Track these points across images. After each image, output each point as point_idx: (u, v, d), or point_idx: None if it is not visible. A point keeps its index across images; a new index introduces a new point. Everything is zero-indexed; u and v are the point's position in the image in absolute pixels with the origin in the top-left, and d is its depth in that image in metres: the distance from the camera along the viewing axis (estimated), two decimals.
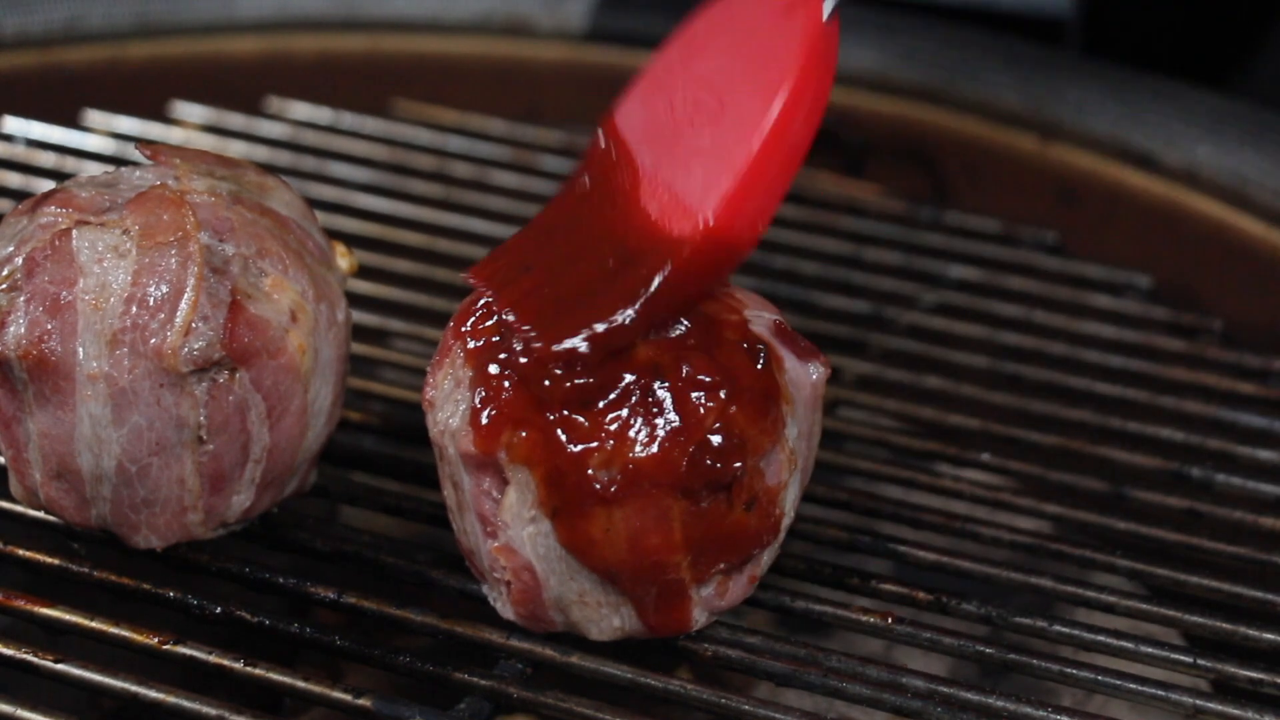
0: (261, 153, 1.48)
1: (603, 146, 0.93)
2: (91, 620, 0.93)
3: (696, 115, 0.90)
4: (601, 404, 0.86)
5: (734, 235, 0.88)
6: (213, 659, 0.91)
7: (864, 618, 0.96)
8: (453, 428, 0.88)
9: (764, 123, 0.88)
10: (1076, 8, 2.04)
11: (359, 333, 1.11)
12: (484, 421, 0.86)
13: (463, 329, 0.90)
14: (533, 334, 0.85)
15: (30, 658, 0.91)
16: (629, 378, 0.86)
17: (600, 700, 0.89)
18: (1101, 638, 0.95)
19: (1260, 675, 0.94)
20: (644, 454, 0.85)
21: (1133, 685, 0.92)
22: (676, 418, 0.86)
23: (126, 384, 0.90)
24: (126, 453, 0.91)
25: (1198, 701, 0.91)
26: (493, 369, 0.87)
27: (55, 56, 1.59)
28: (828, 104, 0.92)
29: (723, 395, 0.86)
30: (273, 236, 0.94)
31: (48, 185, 1.24)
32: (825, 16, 0.89)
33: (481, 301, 0.91)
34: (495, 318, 0.89)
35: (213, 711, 0.87)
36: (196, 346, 0.90)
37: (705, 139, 0.89)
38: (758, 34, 0.91)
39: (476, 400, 0.87)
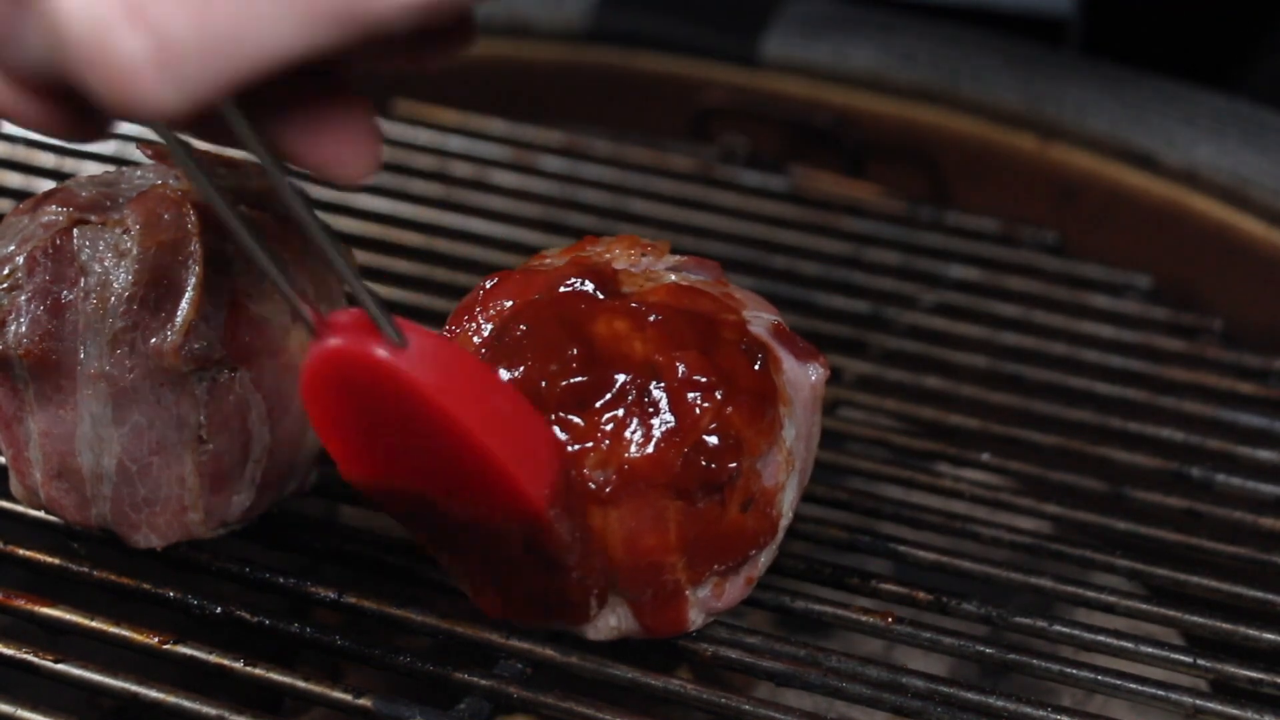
0: None
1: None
2: (91, 620, 0.93)
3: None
4: (597, 404, 0.86)
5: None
6: (213, 659, 0.91)
7: (864, 618, 0.96)
8: None
9: None
10: (1076, 8, 2.04)
11: None
12: None
13: (459, 325, 0.90)
14: None
15: (30, 658, 0.91)
16: (624, 378, 0.86)
17: (600, 700, 0.89)
18: (1101, 638, 0.95)
19: (1260, 675, 0.94)
20: (639, 454, 0.85)
21: (1133, 685, 0.92)
22: (672, 418, 0.85)
23: (127, 383, 0.90)
24: (127, 452, 0.91)
25: (1198, 701, 0.91)
26: (491, 368, 0.87)
27: None
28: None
29: (719, 396, 0.86)
30: (273, 236, 0.94)
31: (48, 185, 1.24)
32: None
33: (480, 300, 0.91)
34: (494, 318, 0.90)
35: (213, 711, 0.87)
36: (197, 346, 0.90)
37: None
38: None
39: None
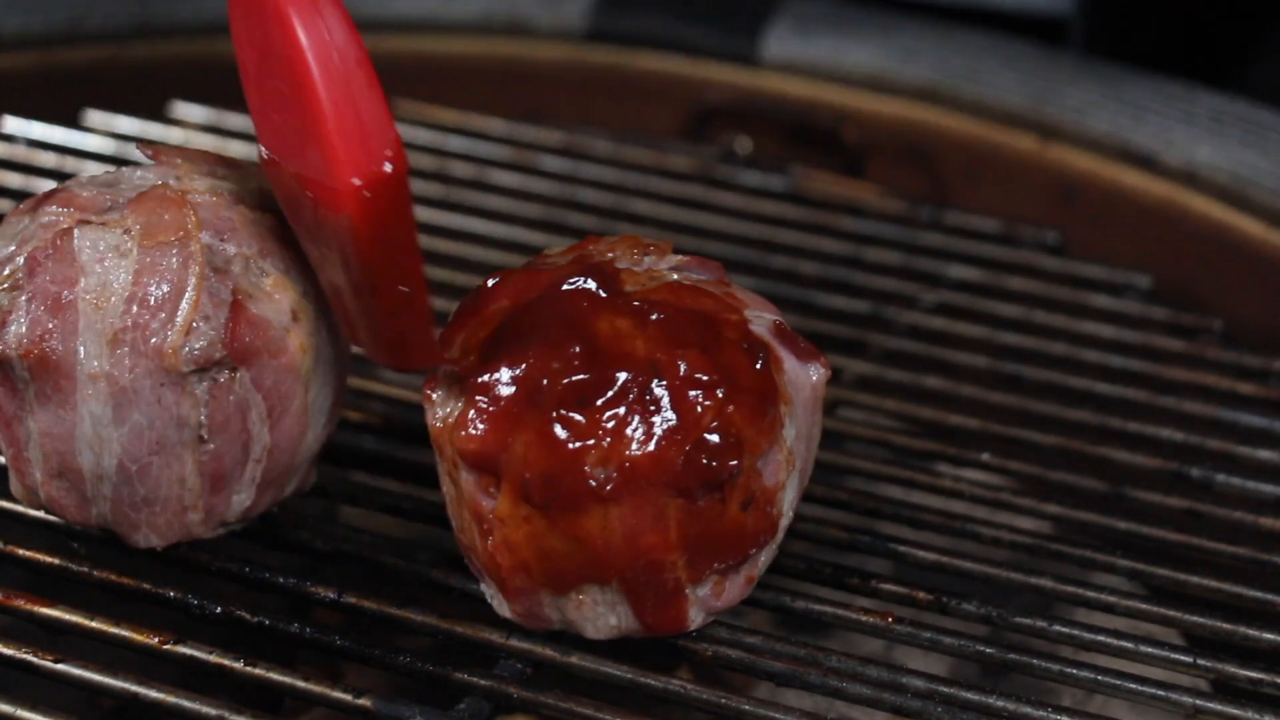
0: None
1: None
2: (91, 620, 0.93)
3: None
4: (598, 402, 0.86)
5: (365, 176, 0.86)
6: (213, 659, 0.91)
7: (864, 618, 0.96)
8: (451, 424, 0.88)
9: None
10: (1077, 8, 2.04)
11: None
12: (482, 419, 0.86)
13: (462, 323, 0.90)
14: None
15: (30, 658, 0.91)
16: (626, 376, 0.86)
17: (600, 700, 0.89)
18: (1101, 638, 0.95)
19: (1260, 675, 0.94)
20: (640, 452, 0.85)
21: (1133, 685, 0.92)
22: (673, 416, 0.86)
23: (127, 383, 0.90)
24: (127, 452, 0.91)
25: (1198, 701, 0.91)
26: (492, 367, 0.87)
27: (55, 56, 1.59)
28: None
29: (720, 394, 0.86)
30: (274, 236, 0.94)
31: (48, 185, 1.24)
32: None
33: (482, 299, 0.91)
34: (494, 312, 0.90)
35: (213, 711, 0.87)
36: (197, 346, 0.90)
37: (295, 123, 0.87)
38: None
39: (475, 398, 0.87)
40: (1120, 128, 1.48)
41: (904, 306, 1.34)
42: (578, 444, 0.85)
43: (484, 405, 0.87)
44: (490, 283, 0.92)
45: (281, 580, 0.97)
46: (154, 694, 0.88)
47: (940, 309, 1.34)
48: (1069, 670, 0.93)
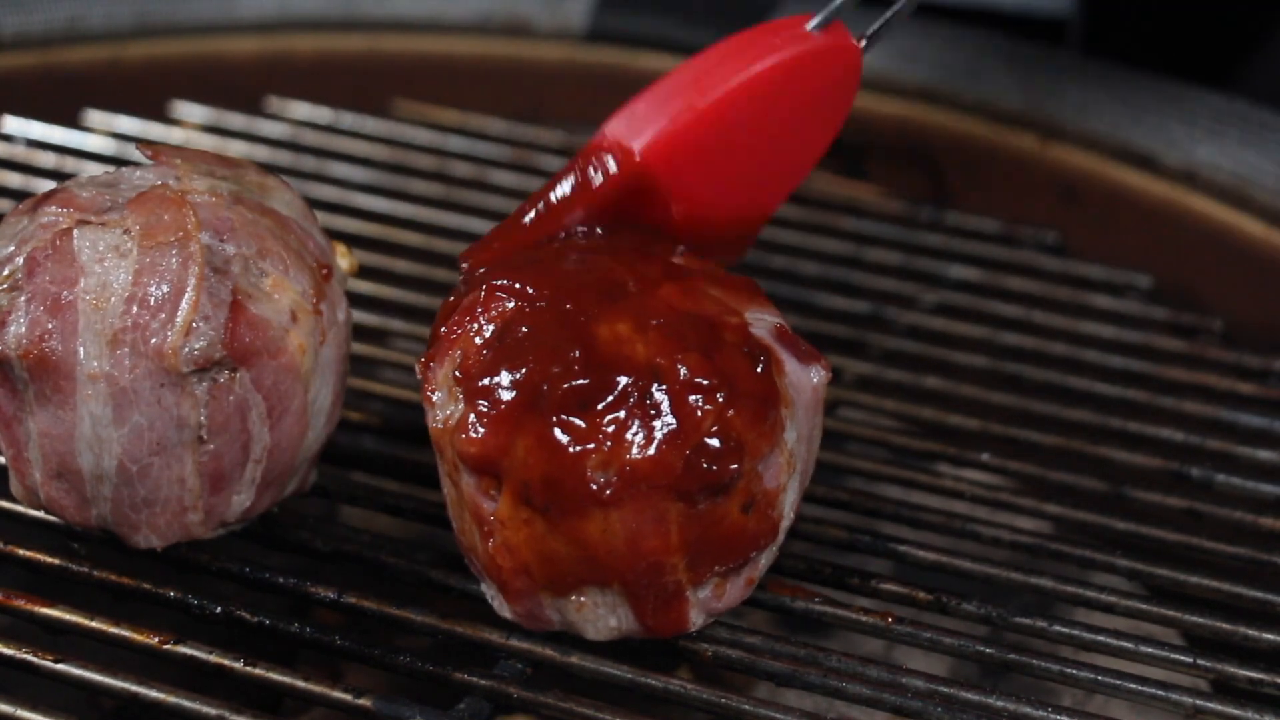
0: (261, 153, 1.48)
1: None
2: (91, 620, 0.93)
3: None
4: (599, 405, 0.86)
5: (664, 174, 0.97)
6: (213, 659, 0.91)
7: (864, 618, 0.96)
8: (452, 427, 0.88)
9: (718, 88, 0.98)
10: (1077, 8, 2.04)
11: (359, 333, 1.11)
12: (483, 422, 0.86)
13: (462, 325, 0.90)
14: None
15: (30, 658, 0.91)
16: (626, 380, 0.86)
17: (600, 700, 0.89)
18: (1101, 638, 0.95)
19: (1260, 675, 0.94)
20: (641, 456, 0.85)
21: (1133, 685, 0.92)
22: (674, 420, 0.86)
23: (127, 383, 0.90)
24: (127, 452, 0.91)
25: (1198, 701, 0.91)
26: (493, 368, 0.87)
27: (55, 56, 1.59)
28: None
29: (720, 398, 0.86)
30: (273, 236, 0.94)
31: (48, 185, 1.24)
32: (811, 25, 1.00)
33: (478, 296, 0.91)
34: (495, 314, 0.90)
35: (213, 711, 0.87)
36: (197, 346, 0.90)
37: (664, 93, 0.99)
38: (754, 43, 1.01)
39: (476, 400, 0.87)
40: (1120, 128, 1.48)
41: (904, 306, 1.34)
42: (579, 447, 0.85)
43: (485, 408, 0.87)
44: (488, 283, 0.92)
45: (281, 580, 0.97)
46: (154, 694, 0.88)
47: (940, 309, 1.34)
48: (1069, 670, 0.93)
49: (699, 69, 1.00)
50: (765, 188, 1.02)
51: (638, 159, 0.97)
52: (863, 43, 1.03)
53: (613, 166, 0.96)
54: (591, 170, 0.97)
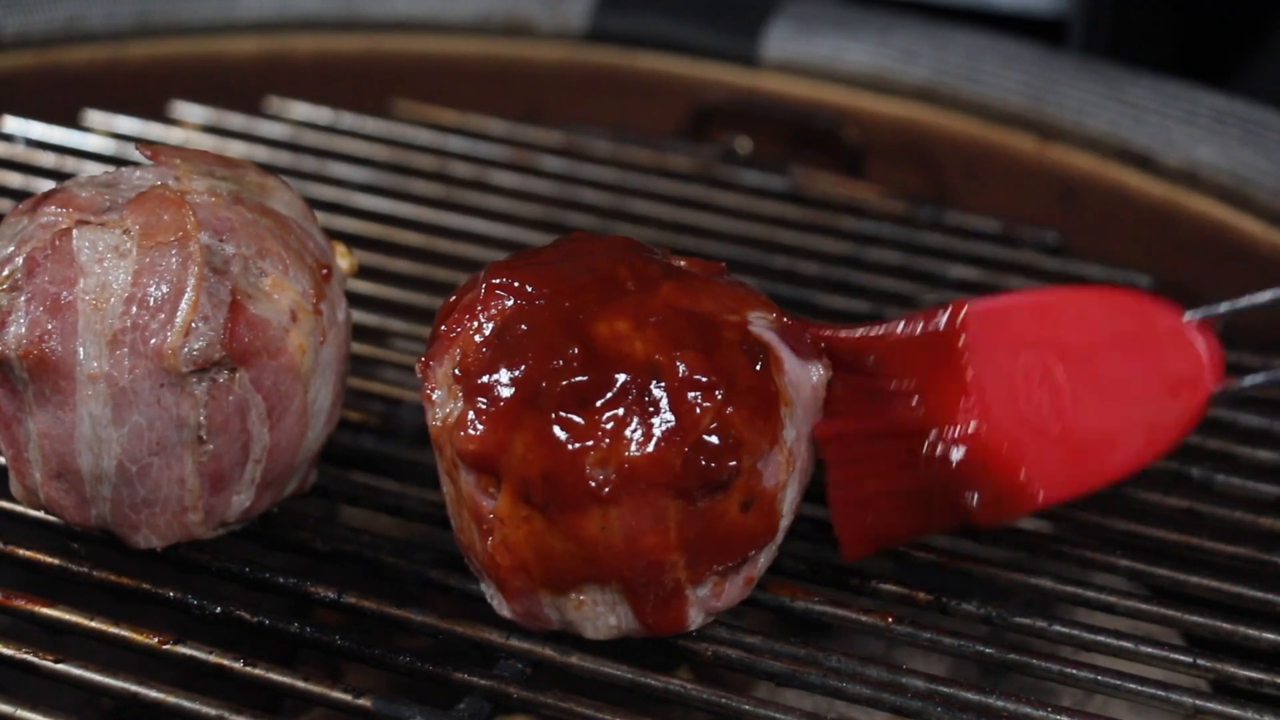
0: (261, 153, 1.48)
1: (946, 329, 0.96)
2: (91, 620, 0.93)
3: (1053, 399, 0.97)
4: (598, 403, 0.86)
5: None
6: (213, 659, 0.91)
7: (864, 618, 0.96)
8: (451, 424, 0.88)
9: (1125, 465, 0.98)
10: (1076, 8, 2.04)
11: (359, 333, 1.11)
12: (482, 419, 0.86)
13: (462, 324, 0.90)
14: None
15: (30, 658, 0.91)
16: (625, 377, 0.86)
17: (600, 700, 0.89)
18: (1101, 638, 0.95)
19: (1260, 675, 0.94)
20: (639, 453, 0.85)
21: (1133, 685, 0.92)
22: (672, 418, 0.86)
23: (127, 384, 0.90)
24: (127, 452, 0.91)
25: (1198, 701, 0.91)
26: (492, 366, 0.87)
27: (55, 56, 1.59)
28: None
29: (719, 396, 0.86)
30: (273, 236, 0.94)
31: (48, 185, 1.24)
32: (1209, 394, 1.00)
33: (477, 295, 0.91)
34: (494, 313, 0.89)
35: (213, 711, 0.87)
36: (197, 346, 0.90)
37: (1058, 429, 0.96)
38: (1144, 375, 0.99)
39: (475, 398, 0.87)
40: (1120, 128, 1.48)
41: (904, 306, 1.34)
42: (577, 445, 0.85)
43: (483, 406, 0.87)
44: (486, 283, 0.92)
45: (281, 580, 0.97)
46: (154, 694, 0.88)
47: None
48: (1069, 670, 0.93)
49: (1082, 386, 0.97)
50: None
51: (1039, 501, 0.95)
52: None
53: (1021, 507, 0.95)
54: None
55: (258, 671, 0.91)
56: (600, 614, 0.89)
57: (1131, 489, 1.11)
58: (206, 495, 0.94)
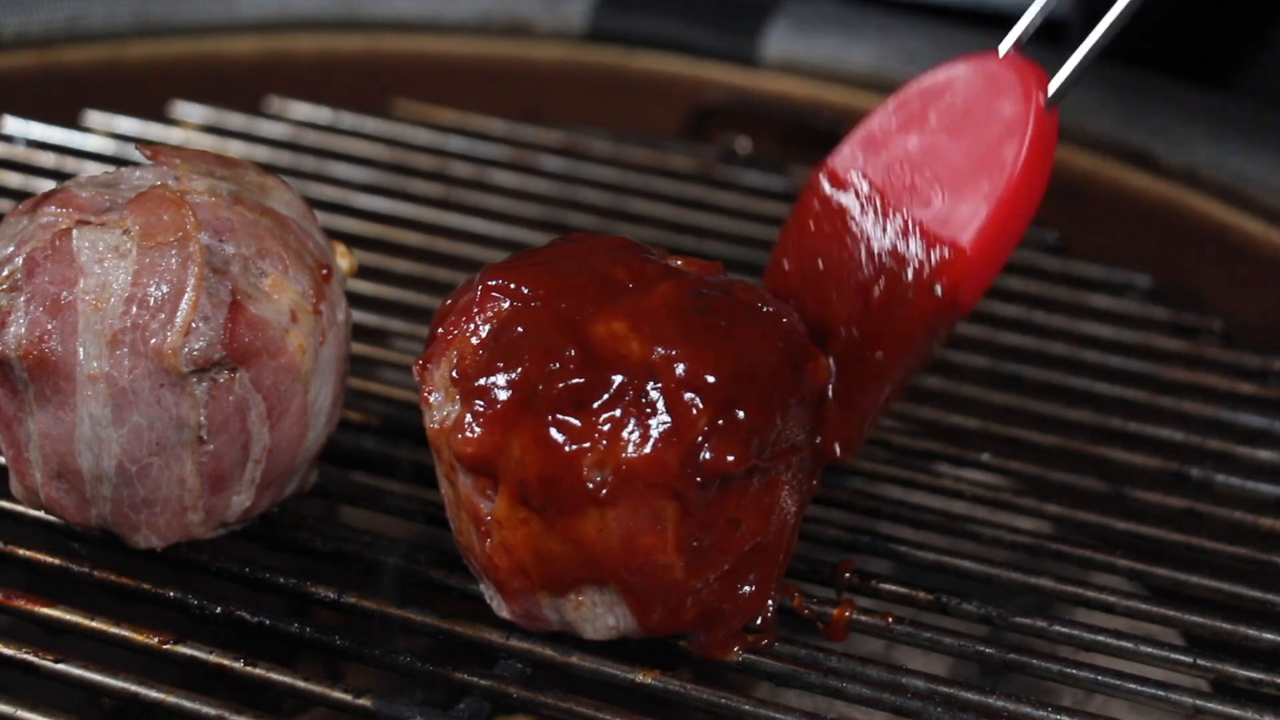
0: (261, 153, 1.48)
1: (824, 189, 1.01)
2: (91, 620, 0.93)
3: (917, 189, 0.99)
4: (595, 404, 0.86)
5: (959, 301, 0.97)
6: (213, 659, 0.91)
7: (864, 618, 0.96)
8: (449, 427, 0.88)
9: (985, 213, 0.98)
10: (1076, 8, 2.04)
11: (359, 333, 1.11)
12: (479, 422, 0.86)
13: (459, 326, 0.90)
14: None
15: (30, 658, 0.91)
16: (622, 378, 0.86)
17: (600, 700, 0.89)
18: (1101, 638, 0.95)
19: (1260, 675, 0.94)
20: (636, 455, 0.85)
21: (1133, 685, 0.92)
22: (669, 419, 0.85)
23: (127, 384, 0.90)
24: (127, 453, 0.91)
25: (1198, 701, 0.91)
26: (489, 368, 0.87)
27: (55, 56, 1.59)
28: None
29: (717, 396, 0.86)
30: (273, 236, 0.94)
31: (48, 185, 1.24)
32: (1046, 106, 1.03)
33: (474, 297, 0.91)
34: (491, 315, 0.89)
35: (213, 711, 0.87)
36: (197, 346, 0.90)
37: (929, 213, 0.98)
38: (979, 121, 1.03)
39: (472, 400, 0.87)
40: (1120, 128, 1.48)
41: None
42: (574, 447, 0.85)
43: (481, 408, 0.87)
44: (483, 285, 0.92)
45: (281, 580, 0.97)
46: (154, 694, 0.88)
47: None
48: (1069, 670, 0.93)
49: (935, 168, 1.00)
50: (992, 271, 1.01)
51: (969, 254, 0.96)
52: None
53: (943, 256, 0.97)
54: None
55: (258, 671, 0.90)
56: (599, 615, 0.89)
57: (1131, 489, 1.11)
58: (206, 495, 0.94)
